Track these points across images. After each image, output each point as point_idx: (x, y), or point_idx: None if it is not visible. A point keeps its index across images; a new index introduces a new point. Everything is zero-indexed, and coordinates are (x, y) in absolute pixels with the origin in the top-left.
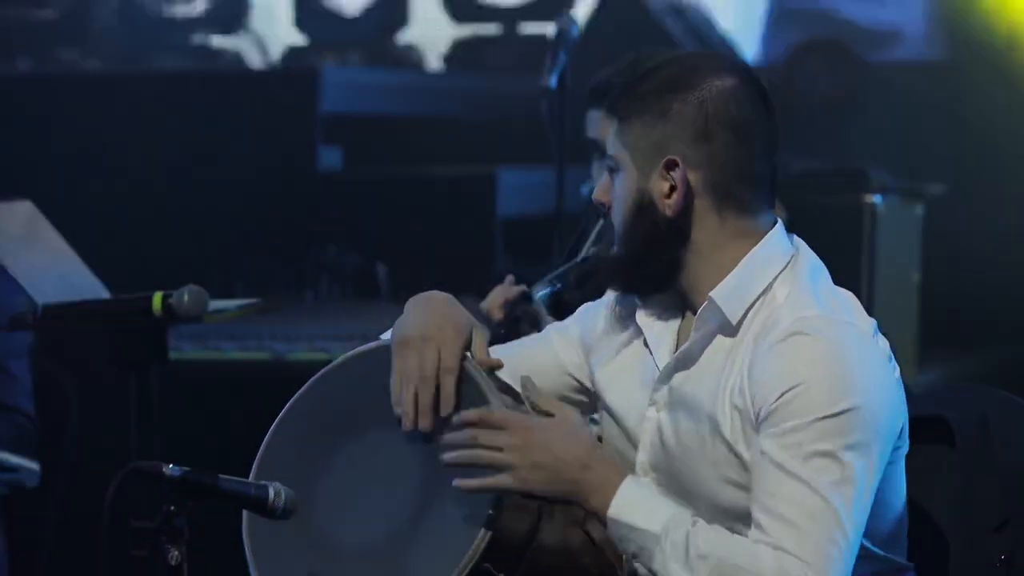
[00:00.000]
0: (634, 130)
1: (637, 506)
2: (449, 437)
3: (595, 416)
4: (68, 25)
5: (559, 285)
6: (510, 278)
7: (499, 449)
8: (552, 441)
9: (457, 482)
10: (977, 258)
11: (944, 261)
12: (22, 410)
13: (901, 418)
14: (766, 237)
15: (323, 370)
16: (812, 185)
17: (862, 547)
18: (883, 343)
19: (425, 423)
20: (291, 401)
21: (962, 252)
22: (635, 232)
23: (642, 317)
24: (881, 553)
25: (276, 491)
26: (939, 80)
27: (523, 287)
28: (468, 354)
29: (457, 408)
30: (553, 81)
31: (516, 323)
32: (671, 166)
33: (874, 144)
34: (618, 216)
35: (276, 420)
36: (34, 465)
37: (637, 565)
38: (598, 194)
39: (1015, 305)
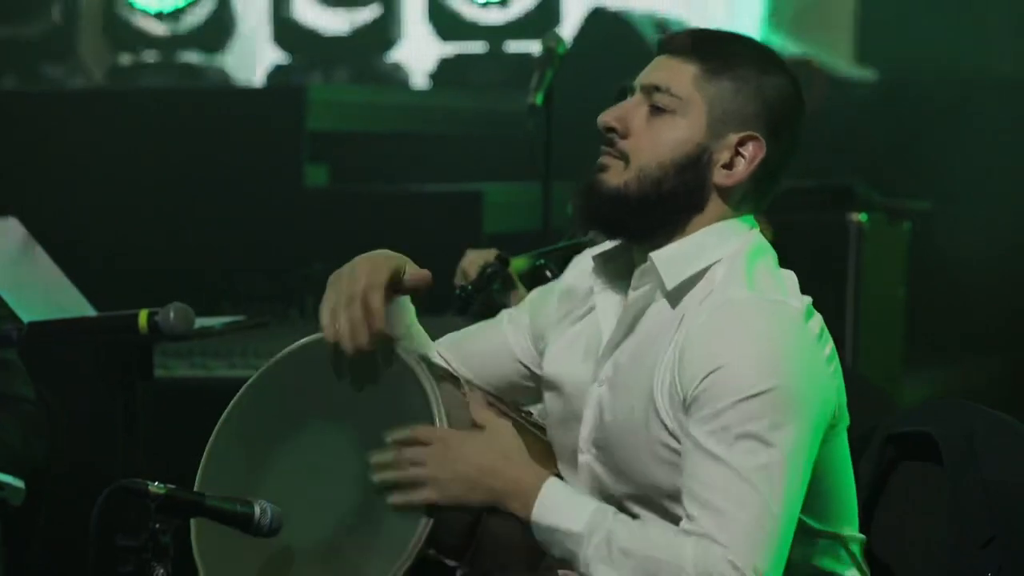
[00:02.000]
0: (722, 86)
1: (558, 508)
2: (376, 458)
3: (530, 410)
4: (53, 42)
5: (542, 260)
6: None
7: (421, 464)
8: (468, 450)
9: (392, 499)
10: (963, 274)
11: (930, 277)
12: (24, 397)
13: (833, 396)
14: (731, 220)
15: (260, 370)
16: (798, 202)
17: (803, 524)
18: (815, 323)
19: (361, 339)
20: (231, 402)
21: (948, 268)
22: (669, 180)
23: (596, 289)
24: (825, 528)
25: (262, 509)
26: (922, 96)
27: (503, 253)
28: (400, 342)
29: (387, 334)
30: (540, 99)
31: (489, 282)
32: (747, 142)
33: (859, 161)
34: (653, 155)
35: (217, 424)
36: (19, 483)
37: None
38: (611, 118)
39: (1001, 320)
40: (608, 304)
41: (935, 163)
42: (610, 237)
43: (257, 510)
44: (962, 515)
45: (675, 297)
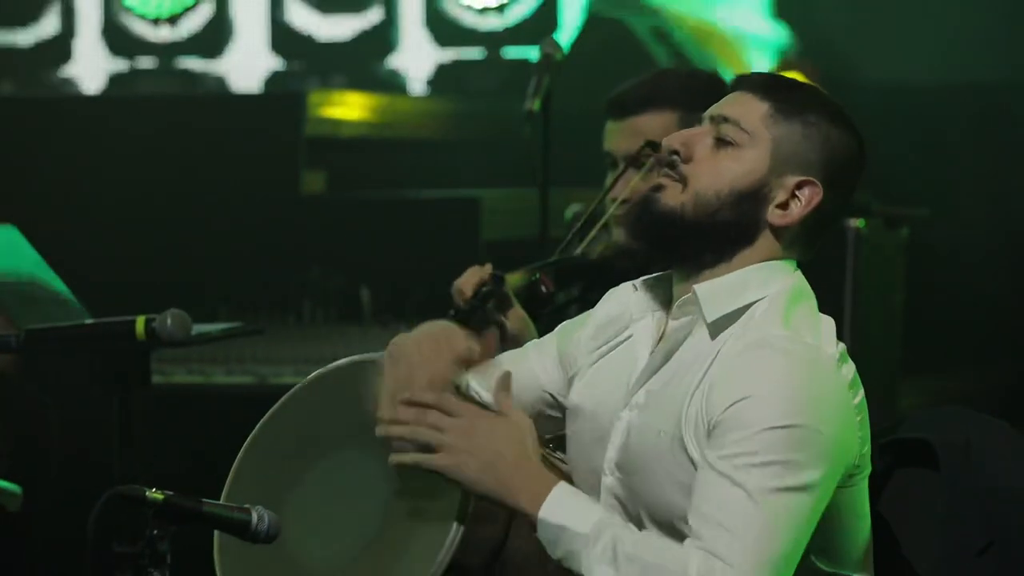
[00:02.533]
0: (791, 128)
1: (568, 508)
2: (397, 412)
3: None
4: (50, 48)
5: (537, 276)
6: (488, 265)
7: (442, 431)
8: (495, 434)
9: (393, 457)
10: (960, 281)
11: (928, 283)
12: None
13: (855, 445)
14: (777, 260)
15: (292, 390)
16: None
17: (813, 566)
18: (848, 370)
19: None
20: (261, 422)
21: (946, 275)
22: (724, 210)
23: (634, 316)
24: (835, 571)
25: (259, 515)
26: (923, 102)
27: (497, 271)
28: (457, 387)
29: None
30: (537, 105)
31: (484, 301)
32: (804, 186)
33: None
34: (712, 183)
35: (246, 442)
36: (16, 489)
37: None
38: (676, 141)
39: (998, 327)
40: (644, 332)
41: (933, 170)
42: (656, 256)
43: (255, 516)
44: (959, 522)
45: (714, 330)
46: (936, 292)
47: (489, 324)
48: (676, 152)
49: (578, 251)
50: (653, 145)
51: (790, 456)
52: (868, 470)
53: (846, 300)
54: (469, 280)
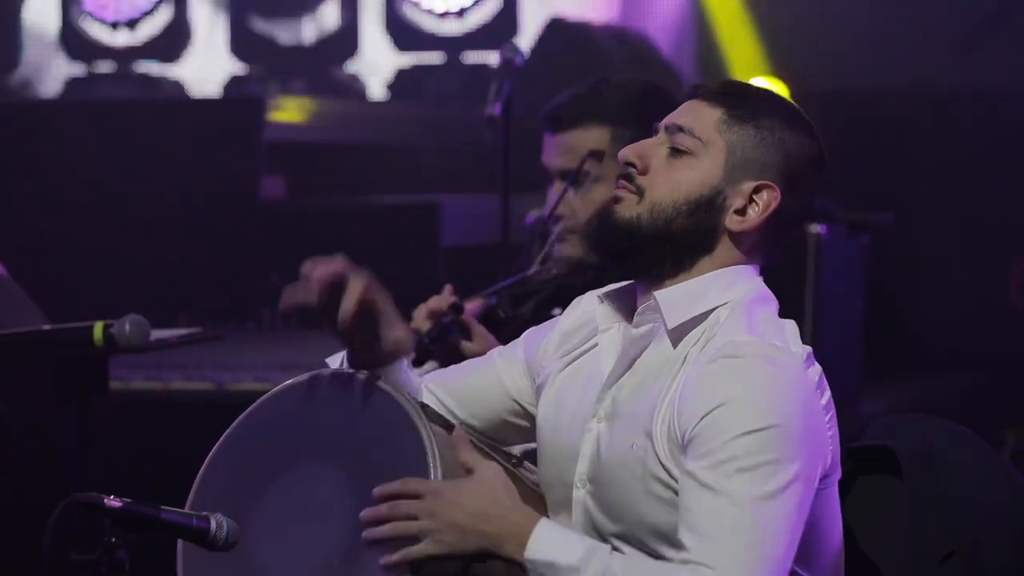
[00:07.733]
0: (745, 133)
1: (553, 544)
2: (368, 513)
3: (516, 455)
4: (6, 53)
5: (495, 300)
6: (448, 287)
7: (414, 518)
8: (461, 498)
9: (383, 560)
10: (922, 287)
11: (889, 290)
12: None
13: (829, 446)
14: (739, 266)
15: (259, 400)
16: None
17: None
18: (815, 371)
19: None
20: (226, 432)
21: (907, 281)
22: (680, 219)
23: (600, 328)
24: None
25: (218, 523)
26: (886, 107)
27: (454, 298)
28: (399, 388)
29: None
30: (498, 109)
31: (445, 333)
32: (762, 191)
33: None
34: (668, 193)
35: (211, 452)
36: None
37: None
38: (631, 153)
39: (959, 335)
40: (610, 342)
41: (895, 176)
42: (617, 267)
43: (213, 524)
44: (922, 529)
45: (676, 337)
46: (897, 298)
47: (452, 354)
48: (632, 164)
49: (531, 270)
50: (597, 155)
51: (769, 456)
52: (838, 475)
53: (807, 306)
54: (428, 308)
